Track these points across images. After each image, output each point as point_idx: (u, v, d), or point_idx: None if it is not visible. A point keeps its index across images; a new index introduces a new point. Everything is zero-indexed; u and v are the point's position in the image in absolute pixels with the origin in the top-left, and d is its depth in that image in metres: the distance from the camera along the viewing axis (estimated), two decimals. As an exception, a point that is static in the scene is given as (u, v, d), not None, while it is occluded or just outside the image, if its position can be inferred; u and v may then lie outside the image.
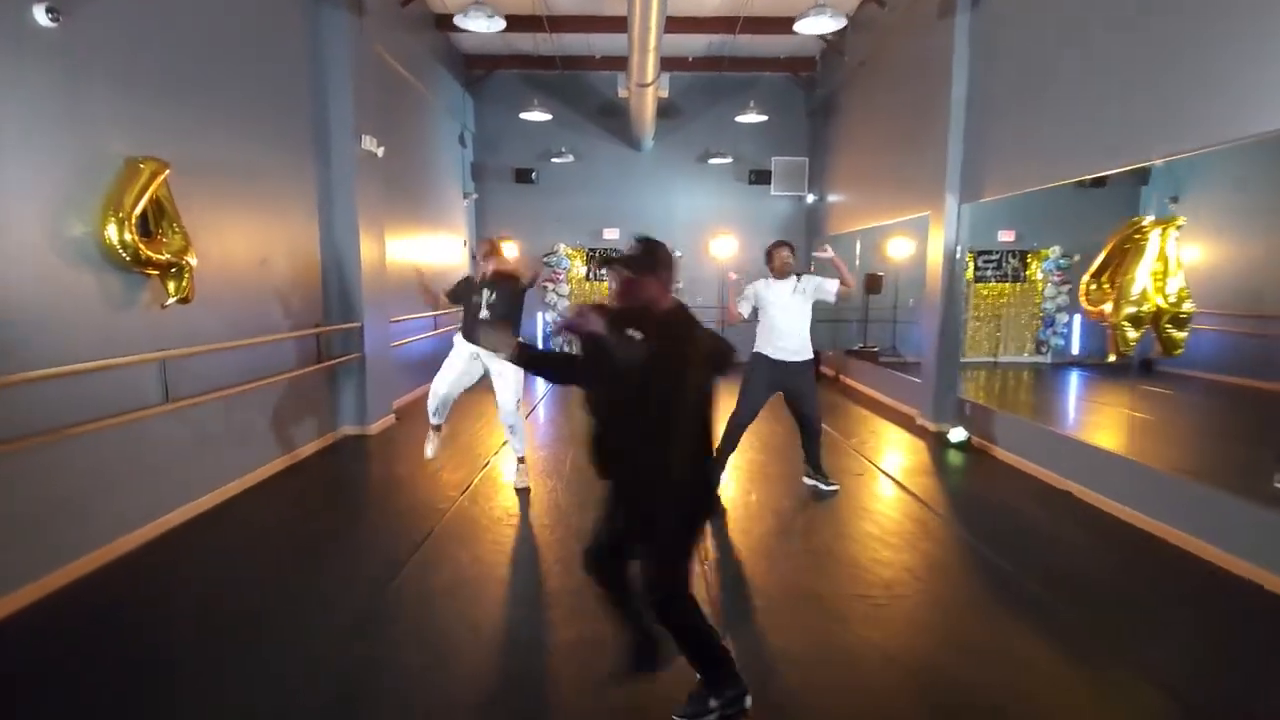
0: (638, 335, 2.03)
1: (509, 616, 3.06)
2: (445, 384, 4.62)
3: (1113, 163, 4.47)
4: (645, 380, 2.00)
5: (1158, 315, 3.88)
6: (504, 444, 5.91)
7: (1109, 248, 4.07)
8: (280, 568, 3.52)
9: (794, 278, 4.43)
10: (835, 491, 4.63)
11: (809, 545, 3.80)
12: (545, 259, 11.11)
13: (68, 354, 3.25)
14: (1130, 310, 3.83)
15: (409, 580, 3.34)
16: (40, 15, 3.06)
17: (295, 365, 5.33)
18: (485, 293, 4.48)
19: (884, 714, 2.36)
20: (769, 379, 4.45)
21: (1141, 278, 3.83)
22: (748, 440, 6.01)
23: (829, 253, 4.55)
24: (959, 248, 6.35)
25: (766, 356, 4.44)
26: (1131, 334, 3.87)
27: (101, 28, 3.45)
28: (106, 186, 3.44)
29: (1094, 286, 4.19)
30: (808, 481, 4.75)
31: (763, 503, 4.51)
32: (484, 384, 4.72)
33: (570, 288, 11.50)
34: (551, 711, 2.41)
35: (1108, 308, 4.02)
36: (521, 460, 4.79)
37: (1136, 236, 3.90)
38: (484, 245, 4.73)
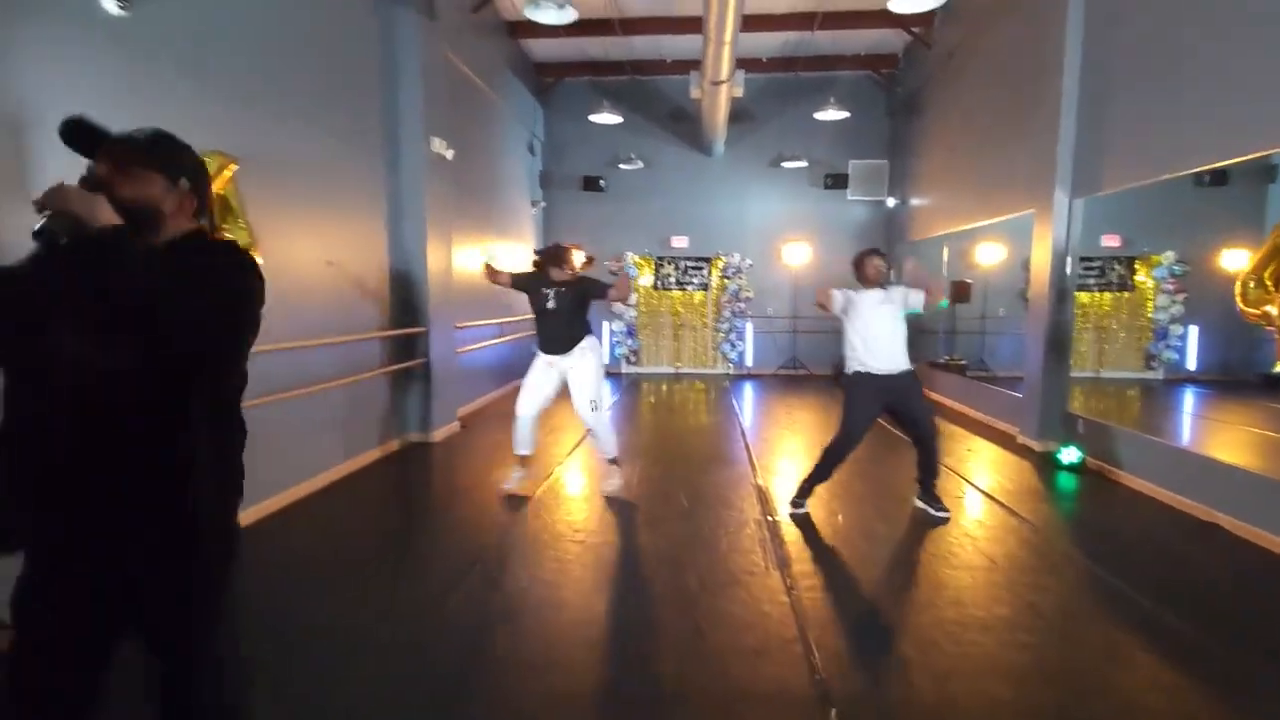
0: None
1: (565, 641, 2.74)
2: (527, 404, 4.49)
3: (1256, 146, 3.87)
4: None
5: (1336, 317, 3.27)
6: (569, 455, 5.67)
7: (1272, 241, 3.46)
8: (335, 577, 3.32)
9: (880, 289, 4.14)
10: (946, 520, 4.12)
11: (912, 578, 3.33)
12: (612, 269, 10.91)
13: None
14: (1304, 310, 3.24)
15: (464, 599, 3.07)
16: (109, 2, 3.00)
17: (359, 369, 5.22)
18: (552, 291, 4.43)
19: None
20: (875, 398, 4.09)
21: (1317, 274, 3.24)
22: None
23: (911, 265, 4.39)
24: (1070, 247, 5.72)
25: (869, 373, 4.07)
26: (1307, 338, 3.27)
27: (171, 17, 3.39)
28: (173, 180, 3.36)
29: (1253, 285, 3.58)
30: (918, 504, 4.29)
31: (851, 525, 4.05)
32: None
33: (637, 297, 11.25)
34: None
35: (1272, 309, 3.42)
36: (613, 462, 4.60)
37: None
38: (556, 253, 4.55)
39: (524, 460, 4.64)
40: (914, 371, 4.16)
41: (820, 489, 4.34)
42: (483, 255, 5.24)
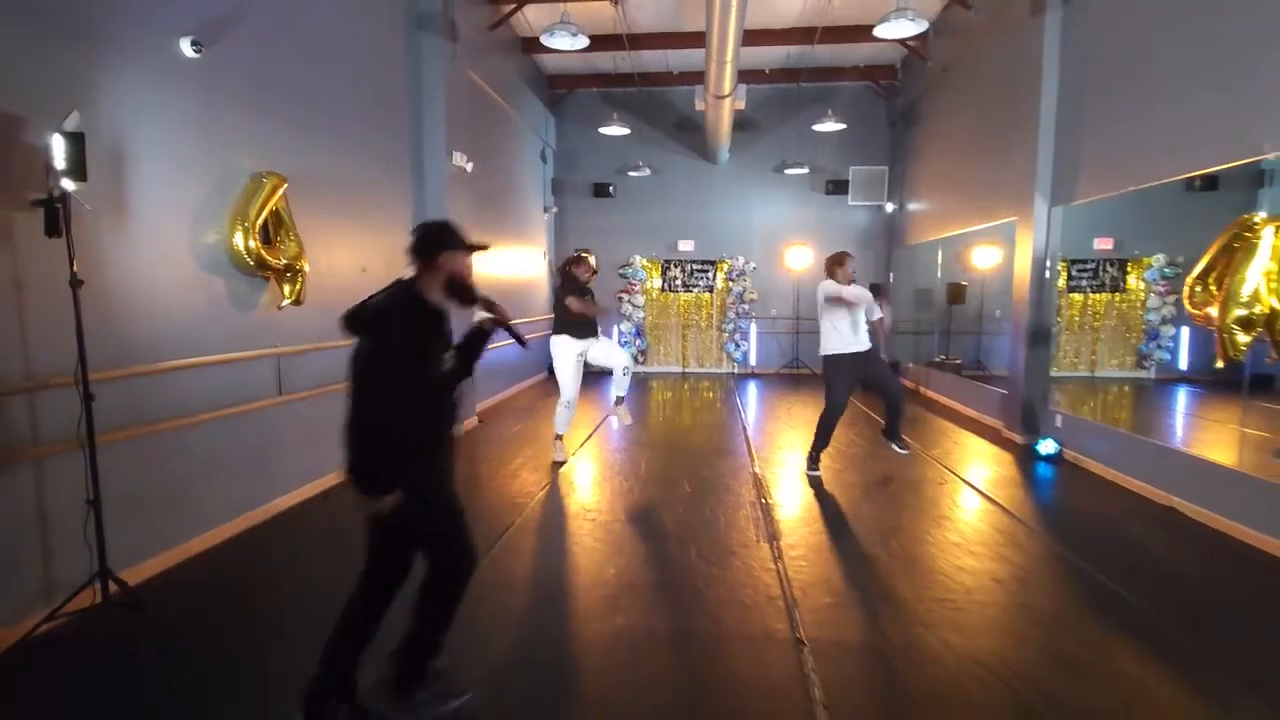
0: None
1: (579, 608, 3.17)
2: (573, 391, 5.51)
3: (1217, 160, 4.26)
4: None
5: (1272, 318, 3.62)
6: (582, 445, 6.10)
7: (1216, 248, 3.83)
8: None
9: (853, 284, 4.99)
10: (907, 455, 5.27)
11: (888, 550, 3.74)
12: (621, 271, 11.35)
13: (202, 349, 3.62)
14: (1240, 313, 3.60)
15: (492, 565, 3.51)
16: (186, 47, 3.47)
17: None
18: (586, 291, 5.56)
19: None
20: (852, 373, 4.99)
21: (1253, 278, 3.59)
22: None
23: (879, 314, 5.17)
24: (1049, 253, 6.10)
25: (849, 353, 4.93)
26: (1242, 338, 3.63)
27: (234, 57, 3.85)
28: (235, 199, 3.83)
29: (1199, 289, 3.95)
30: (887, 441, 5.28)
31: (839, 507, 4.46)
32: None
33: (645, 299, 11.68)
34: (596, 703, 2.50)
35: (1214, 311, 3.79)
36: (621, 399, 5.67)
37: (1247, 235, 3.66)
38: (579, 260, 5.62)
39: (560, 438, 5.66)
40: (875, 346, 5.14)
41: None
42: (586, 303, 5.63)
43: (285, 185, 4.04)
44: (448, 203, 6.37)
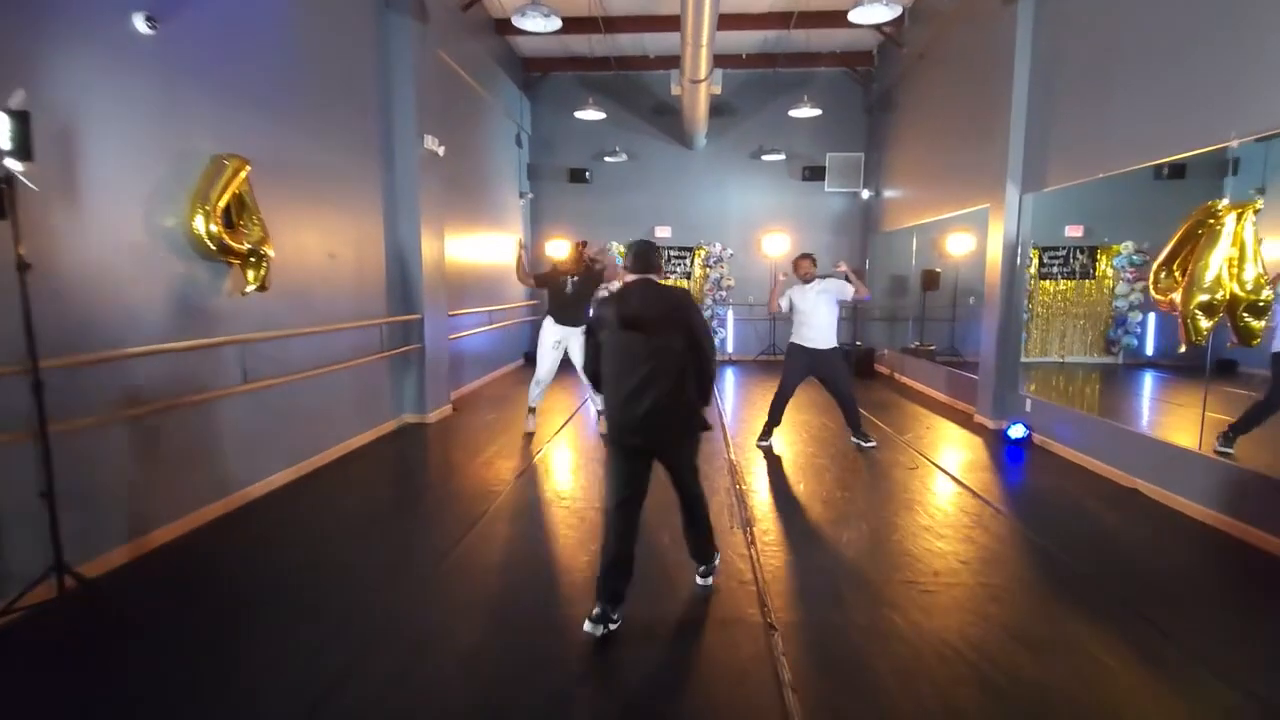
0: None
1: (551, 595, 3.16)
2: (545, 371, 5.99)
3: (1182, 147, 4.33)
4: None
5: (1233, 303, 3.69)
6: (557, 433, 6.08)
7: (1180, 234, 3.89)
8: (343, 542, 3.72)
9: (816, 281, 5.40)
10: (874, 447, 5.50)
11: (860, 534, 3.78)
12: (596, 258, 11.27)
13: (161, 335, 3.53)
14: (1203, 298, 3.66)
15: (465, 550, 3.49)
16: (140, 23, 3.34)
17: (360, 354, 5.59)
18: (569, 280, 5.99)
19: (944, 699, 2.34)
20: (802, 363, 5.46)
21: (1215, 264, 3.66)
22: (799, 433, 6.02)
23: (843, 267, 5.48)
24: (1021, 240, 6.17)
25: (799, 345, 5.47)
26: (1204, 323, 3.69)
27: (192, 35, 3.73)
28: (194, 182, 3.71)
29: (1163, 275, 4.01)
30: (852, 441, 5.58)
31: (812, 492, 4.50)
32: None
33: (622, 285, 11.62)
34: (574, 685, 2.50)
35: (1177, 297, 3.86)
36: (601, 412, 5.51)
37: (1210, 221, 3.71)
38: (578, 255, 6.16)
39: (533, 410, 6.16)
40: (839, 349, 5.52)
41: (790, 461, 5.17)
42: (518, 250, 6.63)
43: (248, 168, 3.93)
44: (419, 188, 6.27)
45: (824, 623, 2.81)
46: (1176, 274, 3.96)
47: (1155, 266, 4.07)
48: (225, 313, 4.03)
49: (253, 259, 4.03)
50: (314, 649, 2.60)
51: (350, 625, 2.76)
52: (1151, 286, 4.09)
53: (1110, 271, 9.93)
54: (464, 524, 3.88)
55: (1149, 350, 9.87)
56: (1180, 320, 3.82)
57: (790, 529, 3.86)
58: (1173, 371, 9.27)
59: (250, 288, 4.08)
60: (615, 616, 2.70)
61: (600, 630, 2.63)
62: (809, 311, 5.36)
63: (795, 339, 5.50)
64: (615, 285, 5.46)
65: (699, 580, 3.12)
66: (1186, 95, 4.23)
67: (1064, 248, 9.79)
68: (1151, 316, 9.88)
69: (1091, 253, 9.96)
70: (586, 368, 3.05)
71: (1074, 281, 9.97)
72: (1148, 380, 9.49)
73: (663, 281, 2.96)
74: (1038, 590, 3.13)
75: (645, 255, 2.95)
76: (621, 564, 2.72)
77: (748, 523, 3.90)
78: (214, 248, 3.74)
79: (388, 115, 6.09)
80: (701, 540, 3.07)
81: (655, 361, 2.72)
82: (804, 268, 5.42)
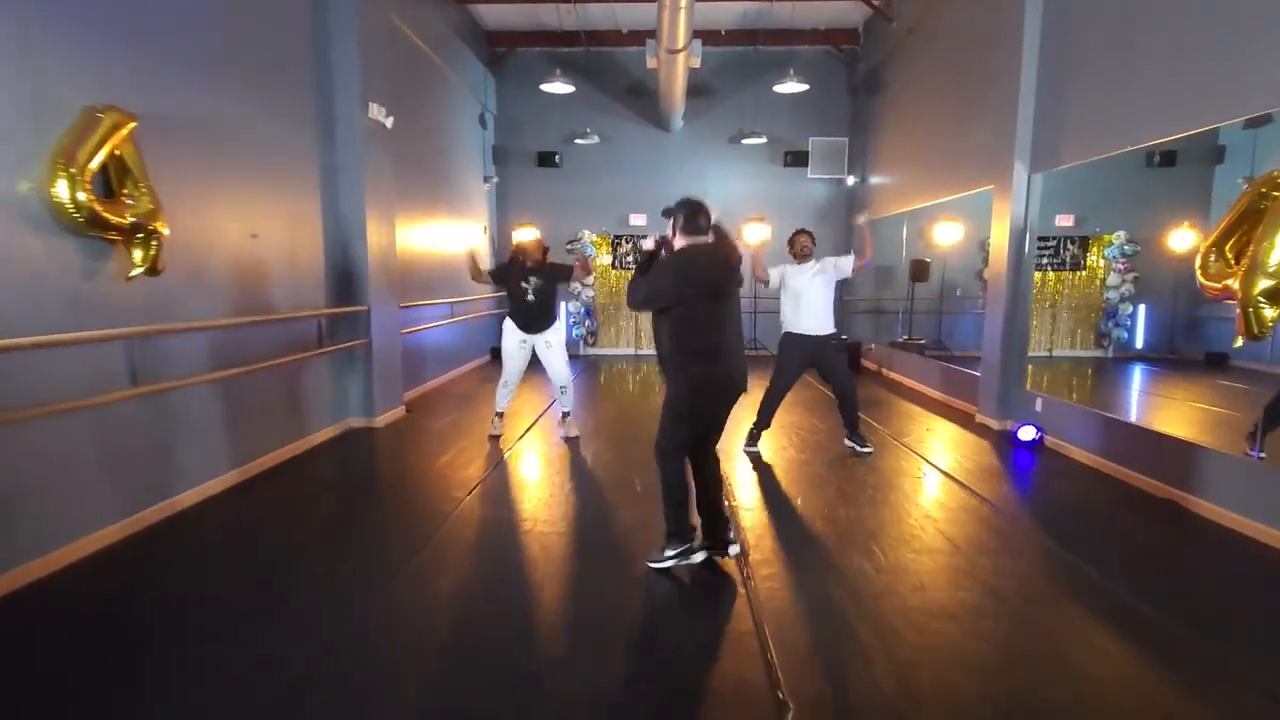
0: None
1: (499, 638, 2.52)
2: (512, 373, 5.29)
3: (1214, 117, 3.84)
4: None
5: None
6: (522, 437, 5.44)
7: (1237, 211, 3.36)
8: (260, 572, 3.03)
9: (813, 261, 4.86)
10: (870, 454, 4.93)
11: (872, 561, 3.20)
12: (568, 246, 10.58)
13: (9, 329, 2.79)
14: (1268, 284, 3.15)
15: (400, 594, 2.82)
16: (-33, -73, 2.60)
17: (292, 351, 4.87)
18: (531, 279, 5.10)
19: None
20: (801, 357, 4.89)
21: (1283, 243, 3.16)
22: (788, 436, 5.45)
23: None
24: (1029, 223, 5.65)
25: (796, 334, 4.86)
26: (1270, 312, 3.18)
27: (51, -47, 2.98)
28: (57, 138, 2.98)
29: (1213, 258, 3.49)
30: (846, 444, 5.03)
31: (812, 508, 3.91)
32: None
33: (595, 277, 10.97)
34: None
35: (1234, 283, 3.33)
36: (567, 414, 5.41)
37: (1276, 194, 3.21)
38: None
39: (500, 415, 5.45)
40: (838, 334, 5.00)
41: (782, 469, 4.56)
42: (468, 252, 5.43)
43: (132, 125, 3.20)
44: (364, 162, 5.54)
45: (848, 698, 2.21)
46: (1230, 256, 3.44)
47: (1204, 248, 3.54)
48: (107, 302, 3.30)
49: (139, 236, 3.30)
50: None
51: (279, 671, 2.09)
52: (1199, 272, 3.56)
53: (1101, 262, 9.58)
54: (403, 554, 3.21)
55: (1139, 344, 9.54)
56: (1239, 310, 3.29)
57: (792, 558, 3.26)
58: (1165, 365, 8.93)
59: (137, 270, 3.35)
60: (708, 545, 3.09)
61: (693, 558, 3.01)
62: (804, 292, 4.78)
63: (792, 328, 4.86)
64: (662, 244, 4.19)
65: (730, 552, 3.14)
66: (1221, 59, 3.74)
67: (1054, 238, 9.39)
68: (1142, 309, 9.58)
69: (1083, 243, 9.58)
70: (639, 304, 3.07)
71: (1066, 273, 9.60)
72: (1145, 375, 9.10)
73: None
74: (1112, 651, 2.56)
75: (705, 214, 2.99)
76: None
77: (742, 550, 3.29)
78: (82, 220, 3.01)
79: (326, 77, 5.34)
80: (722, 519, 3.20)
81: (737, 316, 3.08)
82: (801, 243, 4.88)
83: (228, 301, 4.20)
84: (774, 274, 4.89)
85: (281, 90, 4.83)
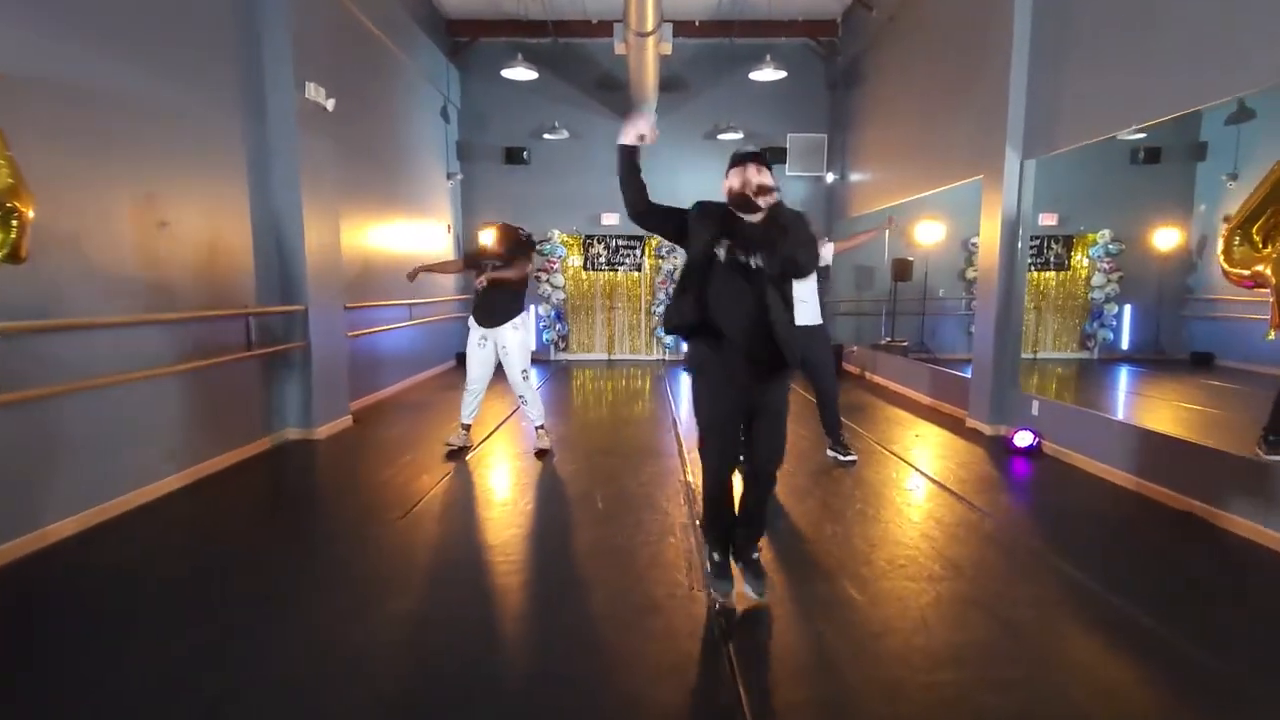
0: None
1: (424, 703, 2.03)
2: (474, 376, 4.82)
3: (1220, 92, 3.50)
4: None
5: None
6: (480, 444, 4.94)
7: (1266, 187, 3.01)
8: (146, 612, 2.49)
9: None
10: (854, 462, 4.58)
11: (867, 593, 2.75)
12: (538, 247, 10.08)
13: None
14: (1304, 269, 2.80)
15: (333, 634, 2.31)
16: None
17: (213, 354, 4.33)
18: (490, 265, 4.71)
19: None
20: None
21: (1322, 224, 2.80)
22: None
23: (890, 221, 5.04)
24: (1022, 213, 5.29)
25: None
26: (1309, 300, 2.83)
27: None
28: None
29: (1237, 242, 3.12)
30: (829, 454, 4.68)
31: (794, 528, 3.46)
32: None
33: (565, 278, 10.50)
34: None
35: (1265, 269, 2.97)
36: (540, 428, 4.92)
37: (1314, 170, 2.85)
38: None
39: (467, 428, 4.90)
40: (824, 326, 4.71)
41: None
42: (418, 270, 5.11)
43: (-12, 82, 2.68)
44: (300, 148, 5.02)
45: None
46: (1258, 239, 3.07)
47: (1227, 231, 3.16)
48: (-46, 293, 2.76)
49: (-5, 215, 2.77)
50: None
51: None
52: (1222, 257, 3.18)
53: (1085, 262, 9.33)
54: (311, 586, 2.70)
55: (1124, 344, 9.29)
56: (1273, 299, 2.92)
57: (775, 589, 2.80)
58: (1151, 366, 8.67)
59: (-7, 256, 2.81)
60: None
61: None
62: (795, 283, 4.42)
63: None
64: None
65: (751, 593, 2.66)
66: (1222, 35, 3.41)
67: (1038, 237, 9.10)
68: (1127, 309, 9.33)
69: (1067, 242, 9.32)
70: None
71: (1050, 272, 9.33)
72: (1133, 376, 8.81)
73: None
74: (1138, 680, 2.14)
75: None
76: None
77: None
78: (-91, 192, 2.48)
79: (255, 49, 4.82)
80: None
81: None
82: None
83: (128, 298, 3.66)
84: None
85: (198, 59, 4.30)
